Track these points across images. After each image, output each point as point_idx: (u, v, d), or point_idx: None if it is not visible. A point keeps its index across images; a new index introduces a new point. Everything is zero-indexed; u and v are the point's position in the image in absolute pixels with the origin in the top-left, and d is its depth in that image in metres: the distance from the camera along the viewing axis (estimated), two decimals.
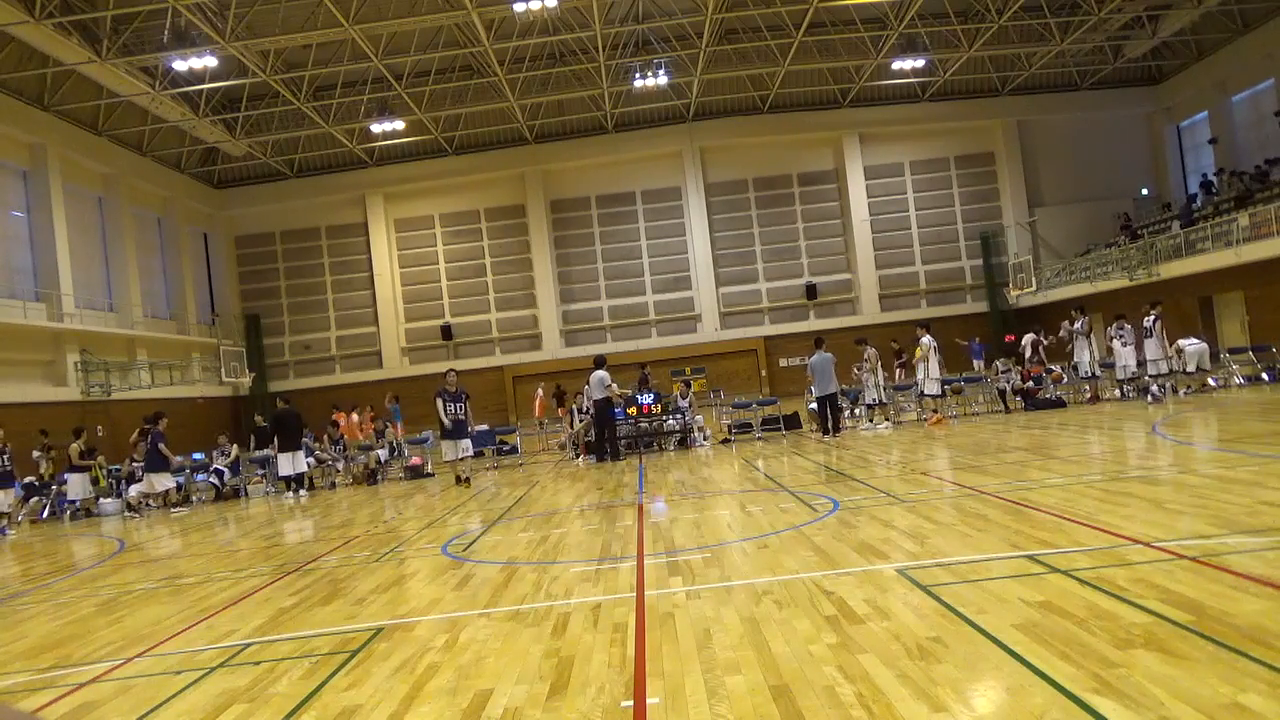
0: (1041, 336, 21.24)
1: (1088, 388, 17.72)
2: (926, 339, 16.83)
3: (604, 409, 16.21)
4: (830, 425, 16.37)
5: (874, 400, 17.66)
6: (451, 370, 15.46)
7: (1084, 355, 17.49)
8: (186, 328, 32.45)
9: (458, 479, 14.78)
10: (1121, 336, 16.89)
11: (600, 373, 16.28)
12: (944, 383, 17.66)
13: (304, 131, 31.92)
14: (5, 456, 15.12)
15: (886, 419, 17.63)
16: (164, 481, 16.07)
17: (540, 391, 26.19)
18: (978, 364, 18.33)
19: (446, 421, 14.58)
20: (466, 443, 14.85)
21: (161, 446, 15.80)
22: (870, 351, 17.62)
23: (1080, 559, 5.29)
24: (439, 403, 14.63)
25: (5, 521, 15.20)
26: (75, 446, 17.17)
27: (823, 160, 36.61)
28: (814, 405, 18.40)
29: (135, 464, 17.36)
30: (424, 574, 7.26)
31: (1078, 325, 17.61)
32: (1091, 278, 29.22)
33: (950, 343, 25.99)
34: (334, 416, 22.12)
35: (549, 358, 35.15)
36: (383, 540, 9.45)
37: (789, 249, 36.41)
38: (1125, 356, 16.92)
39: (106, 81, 25.49)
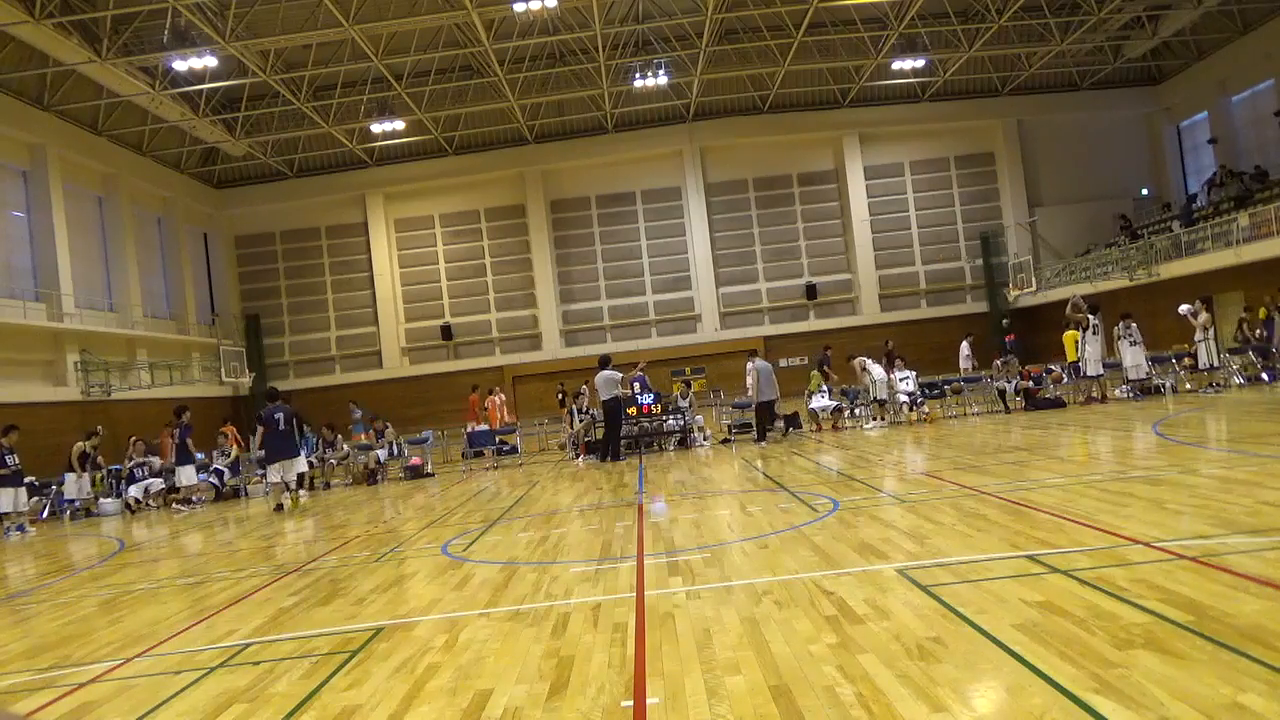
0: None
1: (1095, 388, 17.59)
2: (752, 364, 16.85)
3: (614, 409, 16.18)
4: (760, 432, 16.68)
5: (873, 399, 17.97)
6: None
7: (1094, 353, 17.30)
8: (186, 328, 32.43)
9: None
10: (1129, 336, 16.83)
11: (608, 372, 16.26)
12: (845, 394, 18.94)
13: (304, 131, 31.90)
14: (13, 457, 15.09)
15: (878, 419, 17.80)
16: (190, 475, 16.24)
17: (491, 395, 25.05)
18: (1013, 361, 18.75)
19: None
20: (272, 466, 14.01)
21: (189, 440, 16.07)
22: (859, 359, 18.26)
23: (1080, 559, 5.29)
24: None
25: (23, 520, 15.19)
26: (79, 447, 17.19)
27: (823, 160, 36.59)
28: (813, 406, 18.61)
29: (134, 464, 17.37)
30: (424, 574, 7.26)
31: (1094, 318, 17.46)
32: (1091, 278, 29.20)
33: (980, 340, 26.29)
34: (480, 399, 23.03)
35: (549, 358, 35.14)
36: (383, 540, 9.45)
37: (789, 249, 36.39)
38: (1134, 356, 16.85)
39: (106, 81, 25.48)
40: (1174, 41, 32.20)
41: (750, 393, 16.94)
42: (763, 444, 16.18)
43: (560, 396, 25.69)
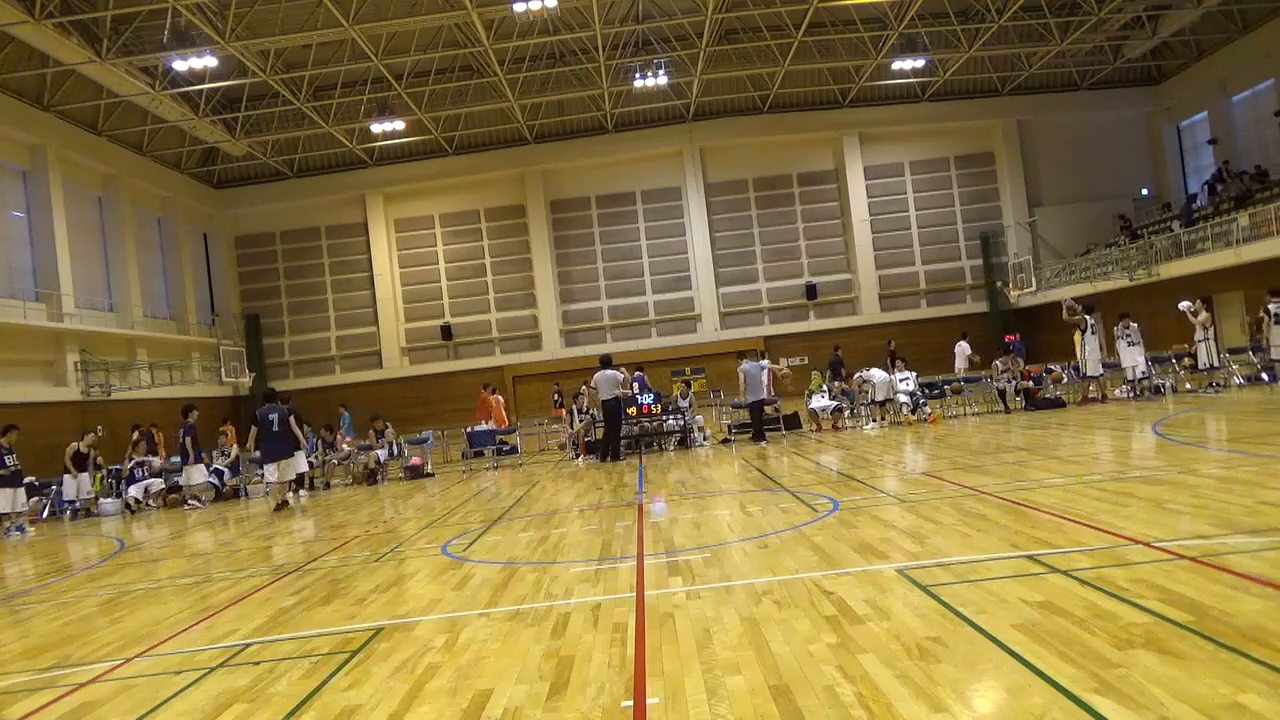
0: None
1: (1093, 388, 17.63)
2: (741, 365, 17.26)
3: (615, 409, 16.17)
4: (756, 432, 16.80)
5: (870, 400, 18.03)
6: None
7: (1093, 353, 17.31)
8: (186, 328, 32.44)
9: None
10: (1128, 336, 16.84)
11: (612, 371, 16.25)
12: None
13: (304, 131, 31.90)
14: (12, 457, 15.10)
15: (878, 420, 17.83)
16: (199, 474, 16.26)
17: (494, 394, 24.90)
18: (1020, 360, 18.81)
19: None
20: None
21: (188, 440, 16.11)
22: (858, 376, 18.46)
23: (1080, 559, 5.29)
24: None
25: (23, 520, 15.19)
26: (72, 447, 17.17)
27: (823, 160, 36.59)
28: (813, 406, 18.64)
29: (134, 464, 17.37)
30: (424, 574, 7.26)
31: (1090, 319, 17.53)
32: (1091, 278, 29.21)
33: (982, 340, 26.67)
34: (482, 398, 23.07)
35: (549, 358, 35.15)
36: (382, 540, 9.45)
37: (789, 249, 36.39)
38: (1131, 356, 16.85)
39: (106, 81, 25.48)
40: (1174, 41, 32.19)
41: (742, 394, 17.10)
42: (762, 443, 16.22)
43: (556, 398, 25.63)
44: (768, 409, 17.48)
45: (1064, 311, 17.58)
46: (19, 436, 15.36)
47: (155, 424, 19.77)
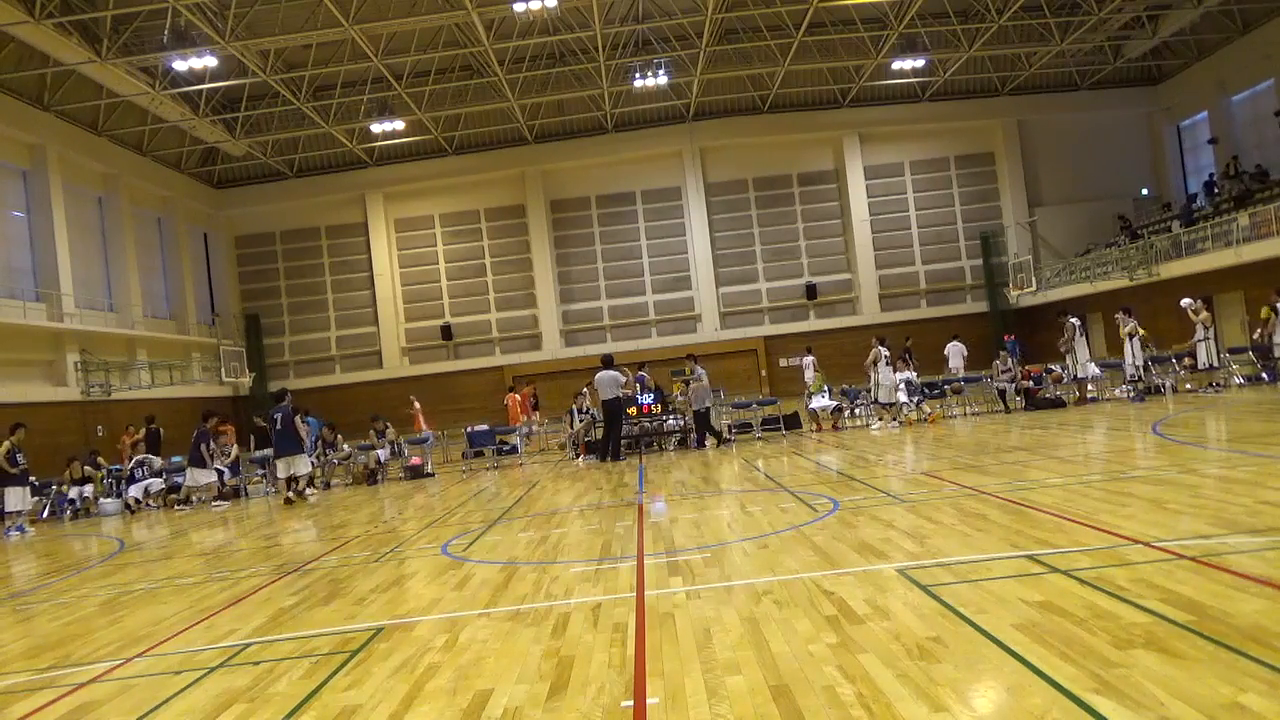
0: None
1: (1092, 388, 17.69)
2: (698, 369, 16.97)
3: (616, 409, 16.18)
4: (698, 439, 16.76)
5: (874, 400, 17.90)
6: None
7: (1081, 355, 17.42)
8: (186, 328, 32.43)
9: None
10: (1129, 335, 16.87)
11: (613, 372, 16.25)
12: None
13: (304, 131, 31.89)
14: (22, 455, 15.13)
15: (880, 419, 17.78)
16: (205, 476, 16.42)
17: (523, 392, 25.00)
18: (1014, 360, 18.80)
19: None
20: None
21: (203, 447, 16.30)
22: (875, 350, 17.51)
23: (1080, 559, 5.29)
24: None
25: (24, 520, 15.23)
26: (65, 477, 17.29)
27: (823, 160, 36.57)
28: (813, 406, 18.61)
29: (135, 464, 17.39)
30: (424, 574, 7.26)
31: (1075, 321, 17.62)
32: (1091, 278, 29.21)
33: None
34: (506, 399, 22.94)
35: (549, 358, 35.14)
36: (383, 540, 9.45)
37: (789, 249, 36.37)
38: (1125, 355, 16.88)
39: (106, 81, 25.48)
40: (1174, 41, 32.18)
41: (695, 398, 16.82)
42: (706, 449, 16.25)
43: (532, 400, 25.59)
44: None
45: (1062, 343, 17.69)
46: (23, 436, 15.45)
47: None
